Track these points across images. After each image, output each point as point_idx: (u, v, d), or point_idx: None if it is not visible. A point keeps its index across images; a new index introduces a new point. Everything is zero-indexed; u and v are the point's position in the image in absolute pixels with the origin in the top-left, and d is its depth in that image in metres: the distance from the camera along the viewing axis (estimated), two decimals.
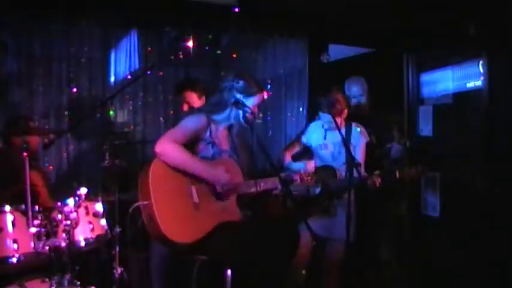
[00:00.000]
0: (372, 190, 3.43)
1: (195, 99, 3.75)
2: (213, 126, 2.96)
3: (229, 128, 3.06)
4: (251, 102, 2.96)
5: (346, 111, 3.68)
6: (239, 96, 2.93)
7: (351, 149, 3.52)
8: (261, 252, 2.76)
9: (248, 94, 2.95)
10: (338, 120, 3.49)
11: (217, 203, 2.88)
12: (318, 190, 3.54)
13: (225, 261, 2.74)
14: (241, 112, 2.95)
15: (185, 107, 3.75)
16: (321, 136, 3.76)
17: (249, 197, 3.05)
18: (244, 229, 2.88)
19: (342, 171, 3.58)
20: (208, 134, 2.93)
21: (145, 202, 2.65)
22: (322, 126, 3.75)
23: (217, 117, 2.97)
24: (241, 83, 2.95)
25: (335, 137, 3.65)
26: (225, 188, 2.86)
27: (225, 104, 2.96)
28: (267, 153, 2.90)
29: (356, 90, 4.34)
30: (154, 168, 2.71)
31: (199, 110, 3.11)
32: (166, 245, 2.72)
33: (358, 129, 3.71)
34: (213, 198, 2.87)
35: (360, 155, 3.65)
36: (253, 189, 2.97)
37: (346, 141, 3.29)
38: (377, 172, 3.45)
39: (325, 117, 3.66)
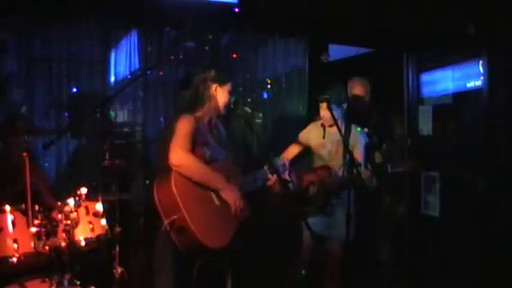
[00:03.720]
0: (368, 188, 3.42)
1: None
2: (200, 126, 2.95)
3: (210, 121, 3.06)
4: (226, 89, 3.01)
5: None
6: (214, 85, 2.96)
7: (350, 149, 3.50)
8: (261, 252, 2.76)
9: (222, 81, 2.99)
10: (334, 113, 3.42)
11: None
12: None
13: (247, 261, 2.75)
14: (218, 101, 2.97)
15: None
16: (320, 135, 3.76)
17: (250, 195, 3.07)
18: (254, 229, 2.90)
19: (340, 172, 3.57)
20: (199, 135, 2.92)
21: (175, 217, 2.61)
22: (321, 124, 3.75)
23: (198, 113, 2.97)
24: (212, 72, 2.99)
25: (333, 135, 3.65)
26: (235, 206, 2.86)
27: (202, 98, 2.97)
28: (267, 153, 2.92)
29: (359, 90, 4.33)
30: (175, 180, 2.68)
31: (181, 113, 3.01)
32: (202, 253, 2.73)
33: (358, 129, 3.71)
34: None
35: (359, 155, 3.64)
36: (252, 184, 2.99)
37: (344, 139, 3.29)
38: (368, 167, 3.45)
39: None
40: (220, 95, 3.00)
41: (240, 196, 2.86)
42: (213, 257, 2.82)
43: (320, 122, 3.76)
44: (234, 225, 2.81)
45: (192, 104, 2.99)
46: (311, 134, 3.83)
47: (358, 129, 3.69)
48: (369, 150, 3.75)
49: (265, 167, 3.08)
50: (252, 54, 4.61)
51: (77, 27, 4.04)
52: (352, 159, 3.04)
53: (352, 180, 3.09)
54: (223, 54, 4.53)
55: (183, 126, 2.88)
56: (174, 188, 2.64)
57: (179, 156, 2.73)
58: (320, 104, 3.65)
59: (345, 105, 3.64)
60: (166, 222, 2.64)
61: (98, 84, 4.15)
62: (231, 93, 3.05)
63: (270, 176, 3.08)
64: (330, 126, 3.68)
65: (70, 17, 4.00)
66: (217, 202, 2.81)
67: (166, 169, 2.75)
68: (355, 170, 3.05)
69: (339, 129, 3.20)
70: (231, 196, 2.83)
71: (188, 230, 2.60)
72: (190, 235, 2.60)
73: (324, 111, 3.63)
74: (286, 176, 3.20)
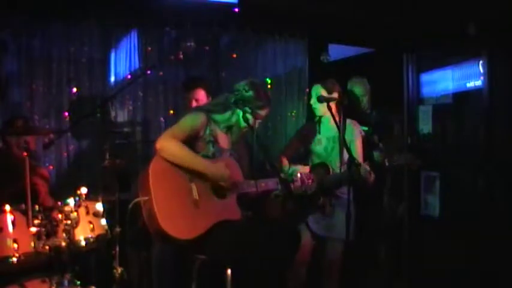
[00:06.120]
0: (368, 185, 3.42)
1: (204, 97, 3.77)
2: (212, 125, 2.96)
3: (228, 129, 3.06)
4: (258, 113, 2.99)
5: (337, 99, 3.61)
6: (245, 105, 2.94)
7: (347, 144, 3.49)
8: (261, 252, 2.75)
9: (252, 106, 2.94)
10: (332, 109, 3.43)
11: (218, 201, 2.88)
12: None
13: (222, 260, 2.74)
14: (241, 113, 2.96)
15: (194, 104, 3.76)
16: (316, 131, 3.76)
17: (249, 197, 3.06)
18: (244, 229, 2.88)
19: (337, 170, 3.55)
20: (207, 132, 2.93)
21: (145, 198, 2.66)
22: (316, 121, 3.75)
23: (217, 117, 2.97)
24: (250, 92, 2.95)
25: (329, 131, 3.65)
26: (226, 182, 2.87)
27: (227, 106, 2.97)
28: (267, 153, 2.92)
29: (359, 90, 4.33)
30: (154, 165, 2.73)
31: (199, 108, 3.12)
32: (165, 240, 2.73)
33: (353, 125, 3.70)
34: (213, 196, 2.88)
35: (356, 150, 3.62)
36: (253, 189, 2.97)
37: (341, 134, 3.28)
38: (366, 162, 3.45)
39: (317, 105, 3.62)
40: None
41: (226, 172, 2.86)
42: (179, 246, 2.81)
43: (315, 118, 3.77)
44: (210, 222, 2.77)
45: (214, 108, 3.00)
46: (306, 132, 3.83)
47: (352, 124, 3.68)
48: (367, 149, 3.75)
49: (276, 178, 3.06)
50: (252, 54, 4.61)
51: (77, 27, 4.04)
52: (351, 156, 3.03)
53: (350, 177, 3.08)
54: (223, 54, 4.53)
55: (186, 119, 2.91)
56: (150, 171, 2.69)
57: (163, 140, 2.76)
58: (315, 103, 3.63)
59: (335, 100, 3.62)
60: (136, 200, 2.70)
61: (98, 84, 4.15)
62: (262, 118, 3.03)
63: (279, 186, 3.06)
64: (321, 118, 3.68)
65: (70, 17, 4.00)
66: (195, 195, 2.79)
67: None
68: (353, 167, 3.04)
69: (338, 126, 3.20)
70: (214, 171, 2.83)
71: (153, 214, 2.63)
72: (154, 219, 2.63)
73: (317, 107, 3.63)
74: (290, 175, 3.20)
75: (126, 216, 2.74)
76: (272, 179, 3.05)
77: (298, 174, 3.21)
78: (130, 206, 2.72)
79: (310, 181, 3.21)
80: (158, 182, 2.70)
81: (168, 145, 2.76)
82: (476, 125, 4.14)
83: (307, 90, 4.58)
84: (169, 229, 2.64)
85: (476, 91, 4.16)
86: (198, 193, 2.81)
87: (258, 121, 3.06)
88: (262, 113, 3.00)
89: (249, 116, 2.95)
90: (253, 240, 2.77)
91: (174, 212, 2.70)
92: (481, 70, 4.09)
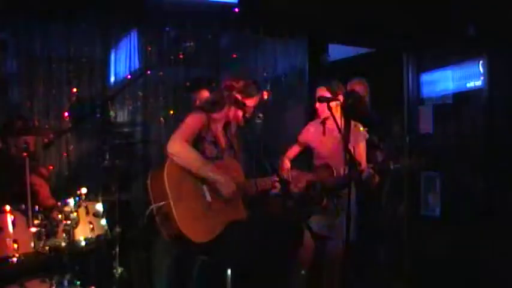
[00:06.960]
0: (371, 187, 3.42)
1: None
2: (212, 125, 2.97)
3: (226, 126, 3.07)
4: (250, 103, 3.00)
5: (338, 99, 3.61)
6: (238, 96, 2.96)
7: (350, 147, 3.50)
8: (262, 252, 2.75)
9: (247, 95, 2.98)
10: (335, 110, 3.42)
11: (226, 202, 2.89)
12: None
13: (229, 261, 2.74)
14: (239, 111, 2.97)
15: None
16: (320, 133, 3.75)
17: (249, 196, 3.06)
18: (251, 228, 2.88)
19: (341, 171, 3.56)
20: (209, 132, 2.94)
21: (162, 203, 2.65)
22: (320, 123, 3.75)
23: (215, 115, 2.98)
24: (241, 83, 2.98)
25: (332, 132, 3.65)
26: (230, 195, 2.87)
27: (223, 103, 2.98)
28: (266, 152, 2.92)
29: (359, 90, 4.33)
30: (169, 169, 2.71)
31: (198, 108, 3.13)
32: (183, 244, 2.72)
33: (359, 128, 3.70)
34: (222, 197, 2.89)
35: (360, 153, 3.63)
36: (253, 188, 2.98)
37: (344, 137, 3.28)
38: (370, 165, 3.45)
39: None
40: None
41: (234, 188, 2.85)
42: (196, 250, 2.81)
43: (319, 120, 3.76)
44: (222, 223, 2.78)
45: (212, 106, 3.00)
46: (310, 133, 3.83)
47: (357, 127, 3.68)
48: (369, 149, 3.75)
49: (275, 176, 3.06)
50: (252, 54, 4.61)
51: (77, 27, 4.04)
52: (352, 159, 3.03)
53: (353, 179, 3.08)
54: (223, 54, 4.53)
55: (190, 120, 2.91)
56: (165, 176, 2.68)
57: (175, 144, 2.76)
58: (319, 103, 3.63)
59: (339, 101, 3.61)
60: (152, 206, 2.68)
61: (98, 84, 4.15)
62: (255, 108, 3.05)
63: (276, 183, 3.07)
64: (326, 120, 3.67)
65: (70, 17, 4.00)
66: (208, 198, 2.81)
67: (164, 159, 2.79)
68: (355, 169, 3.04)
69: (339, 128, 3.19)
70: (225, 185, 2.82)
71: (171, 218, 2.63)
72: (173, 223, 2.63)
73: (320, 107, 3.63)
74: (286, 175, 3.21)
75: (143, 222, 2.72)
76: (270, 178, 3.06)
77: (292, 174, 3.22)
78: (147, 212, 2.69)
79: (301, 184, 3.22)
80: (174, 185, 2.69)
81: (181, 150, 2.75)
82: (476, 125, 4.14)
83: (311, 91, 4.58)
84: (189, 233, 2.64)
85: (476, 91, 4.17)
86: (210, 195, 2.83)
87: (257, 119, 3.06)
88: (253, 101, 3.01)
89: (246, 113, 2.96)
90: (261, 240, 2.77)
91: (191, 215, 2.70)
92: (481, 70, 4.10)
